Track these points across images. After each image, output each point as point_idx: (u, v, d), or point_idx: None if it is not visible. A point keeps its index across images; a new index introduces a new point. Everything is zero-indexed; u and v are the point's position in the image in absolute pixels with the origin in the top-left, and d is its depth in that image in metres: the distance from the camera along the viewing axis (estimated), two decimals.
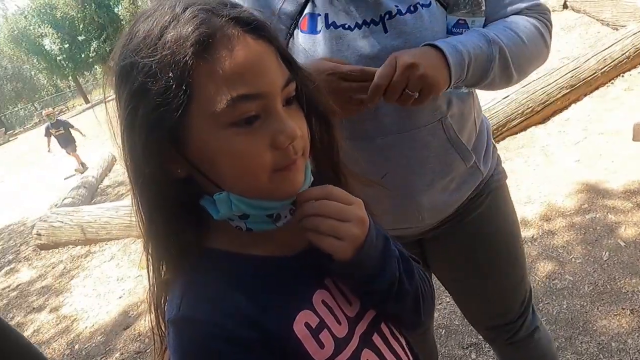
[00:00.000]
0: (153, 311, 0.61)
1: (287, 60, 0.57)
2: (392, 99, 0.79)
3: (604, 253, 2.20)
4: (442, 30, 0.88)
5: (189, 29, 0.49)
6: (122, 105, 0.53)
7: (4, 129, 27.78)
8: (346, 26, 0.87)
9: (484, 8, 0.89)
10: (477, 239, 1.09)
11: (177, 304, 0.55)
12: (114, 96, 0.58)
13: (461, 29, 0.88)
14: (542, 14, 0.93)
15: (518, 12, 0.92)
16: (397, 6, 0.86)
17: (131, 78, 0.51)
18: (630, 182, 2.64)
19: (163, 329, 0.60)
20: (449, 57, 0.79)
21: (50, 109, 10.49)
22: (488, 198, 1.08)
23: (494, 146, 1.12)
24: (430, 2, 0.87)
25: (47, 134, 9.00)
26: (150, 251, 0.59)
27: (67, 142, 8.90)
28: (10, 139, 24.18)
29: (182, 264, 0.58)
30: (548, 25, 0.94)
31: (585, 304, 1.99)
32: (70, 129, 9.02)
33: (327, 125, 0.63)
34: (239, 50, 0.50)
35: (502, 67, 0.87)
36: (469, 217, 1.07)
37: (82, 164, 8.63)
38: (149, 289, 0.61)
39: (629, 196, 2.54)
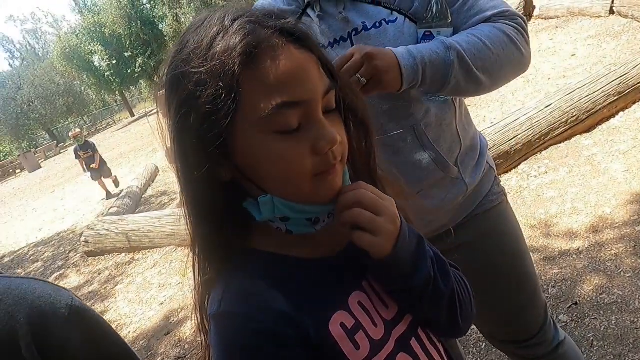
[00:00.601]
0: (197, 309, 0.63)
1: (328, 69, 0.58)
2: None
3: None
4: (410, 43, 0.92)
5: (237, 40, 0.52)
6: (173, 113, 0.56)
7: (55, 141, 29.24)
8: (320, 45, 0.91)
9: (449, 20, 0.93)
10: (473, 261, 1.04)
11: (219, 300, 0.57)
12: (159, 108, 0.61)
13: (427, 40, 0.92)
14: (511, 19, 0.94)
15: (486, 20, 0.94)
16: (363, 22, 0.93)
17: (182, 87, 0.54)
18: None
19: (206, 325, 0.62)
20: (400, 60, 0.84)
21: (78, 130, 9.91)
22: (482, 219, 1.08)
23: (492, 168, 1.13)
24: (397, 17, 0.93)
25: (77, 156, 8.51)
26: (196, 251, 0.62)
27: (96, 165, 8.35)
28: (61, 151, 25.42)
29: (225, 264, 0.60)
30: (519, 29, 0.94)
31: (635, 320, 1.89)
32: (96, 152, 8.36)
33: (365, 132, 0.65)
34: (282, 60, 0.52)
35: (464, 72, 0.89)
36: (464, 239, 1.06)
37: (108, 193, 8.18)
38: (194, 287, 0.63)
39: None
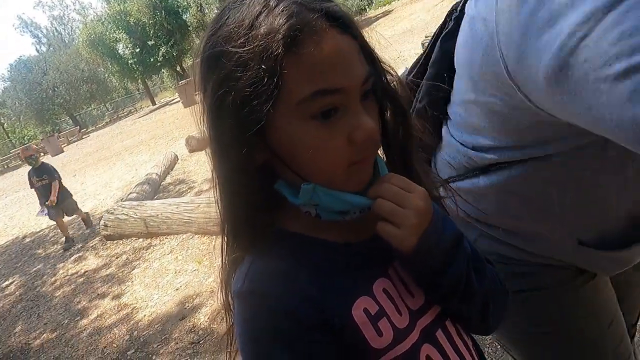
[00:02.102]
0: (223, 287, 0.63)
1: (369, 54, 0.57)
2: None
3: None
4: None
5: (281, 22, 0.50)
6: (210, 92, 0.54)
7: (78, 127, 29.75)
8: None
9: None
10: None
11: (243, 278, 0.57)
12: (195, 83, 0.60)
13: None
14: None
15: None
16: None
17: (220, 65, 0.53)
18: None
19: (231, 305, 0.62)
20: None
21: (34, 146, 7.43)
22: None
23: None
24: None
25: (31, 184, 5.85)
26: (225, 230, 0.61)
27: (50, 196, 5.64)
28: (84, 136, 25.85)
29: (253, 242, 0.59)
30: None
31: None
32: (54, 180, 5.67)
33: (403, 120, 0.63)
34: (325, 45, 0.51)
35: None
36: None
37: (68, 238, 5.78)
38: (221, 265, 0.63)
39: None
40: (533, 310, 0.90)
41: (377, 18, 20.38)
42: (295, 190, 0.57)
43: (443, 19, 0.88)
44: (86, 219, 6.16)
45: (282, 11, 0.51)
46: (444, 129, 0.88)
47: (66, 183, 6.26)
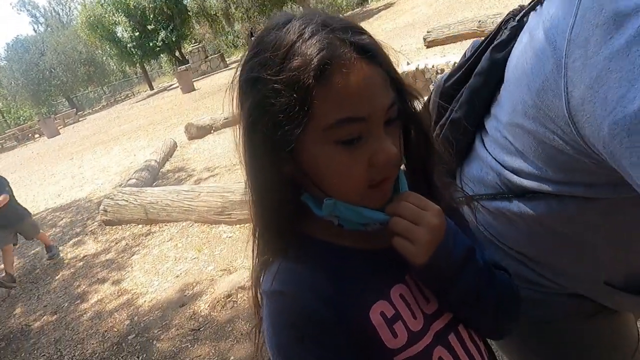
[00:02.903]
0: (253, 285, 0.68)
1: (395, 81, 0.61)
2: None
3: None
4: None
5: (313, 54, 0.54)
6: (246, 112, 0.59)
7: (74, 109, 29.56)
8: None
9: None
10: None
11: (272, 279, 0.62)
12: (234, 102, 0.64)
13: None
14: None
15: None
16: None
17: (256, 90, 0.58)
18: None
19: (259, 300, 0.67)
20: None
21: None
22: None
23: None
24: None
25: None
26: (256, 235, 0.67)
27: None
28: (80, 119, 25.70)
29: (281, 247, 0.64)
30: None
31: None
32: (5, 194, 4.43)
33: (425, 141, 0.67)
34: (352, 76, 0.55)
35: None
36: None
37: (7, 276, 4.47)
38: (252, 266, 0.68)
39: None
40: (554, 342, 0.89)
41: (378, 10, 20.28)
42: (319, 202, 0.62)
43: (497, 26, 0.83)
44: (49, 245, 4.95)
45: (315, 43, 0.55)
46: (478, 142, 0.85)
47: (63, 166, 6.24)
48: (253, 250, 0.68)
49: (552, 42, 0.60)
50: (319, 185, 0.61)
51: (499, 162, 0.78)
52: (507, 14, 0.81)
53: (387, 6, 20.16)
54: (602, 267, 0.78)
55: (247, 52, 0.62)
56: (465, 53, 0.93)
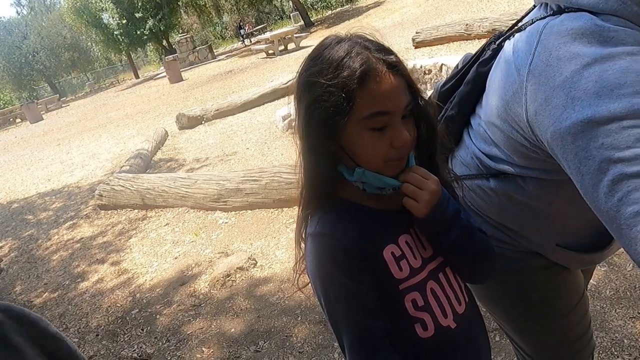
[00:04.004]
0: (298, 228, 0.93)
1: (413, 89, 0.84)
2: None
3: (628, 265, 2.41)
4: None
5: (356, 66, 0.78)
6: (304, 107, 0.84)
7: (58, 95, 29.14)
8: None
9: None
10: None
11: (315, 224, 0.87)
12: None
13: None
14: None
15: None
16: None
17: (313, 90, 0.82)
18: None
19: (302, 241, 0.92)
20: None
21: None
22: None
23: None
24: None
25: None
26: (302, 194, 0.91)
27: None
28: (63, 105, 25.39)
29: (322, 204, 0.89)
30: None
31: (605, 305, 2.21)
32: None
33: (431, 131, 0.91)
34: (383, 84, 0.79)
35: None
36: None
37: None
38: (297, 219, 0.93)
39: None
40: (518, 288, 1.14)
41: (368, 8, 20.53)
42: (351, 171, 0.86)
43: (482, 46, 1.08)
44: None
45: (359, 60, 0.79)
46: (465, 134, 1.11)
47: (50, 151, 6.33)
48: (299, 205, 0.92)
49: (518, 69, 0.85)
50: (353, 158, 0.85)
51: (480, 150, 1.04)
52: (491, 38, 1.07)
53: (377, 4, 20.40)
54: (554, 232, 1.04)
55: (305, 63, 0.86)
56: (457, 64, 1.19)
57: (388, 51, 0.82)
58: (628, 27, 0.75)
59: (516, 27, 0.95)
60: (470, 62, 1.10)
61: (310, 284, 0.89)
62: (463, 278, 0.98)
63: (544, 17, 0.84)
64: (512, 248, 1.09)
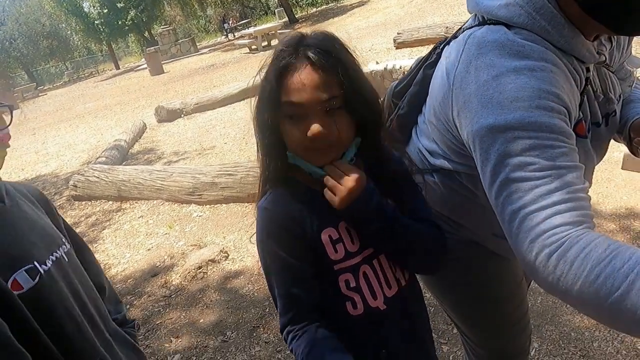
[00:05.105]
0: (257, 201, 1.00)
1: (342, 83, 0.86)
2: None
3: None
4: None
5: (281, 60, 0.87)
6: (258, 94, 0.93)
7: (35, 83, 28.54)
8: (598, 123, 1.01)
9: None
10: None
11: (264, 200, 0.97)
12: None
13: None
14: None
15: None
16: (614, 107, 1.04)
17: (261, 82, 0.91)
18: (618, 207, 2.96)
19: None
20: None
21: None
22: None
23: None
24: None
25: None
26: (261, 174, 0.99)
27: None
28: (40, 94, 24.88)
29: (274, 182, 0.97)
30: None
31: (556, 301, 2.32)
32: None
33: (373, 124, 0.95)
34: (298, 76, 0.86)
35: None
36: None
37: None
38: (257, 194, 1.01)
39: (616, 219, 2.86)
40: (458, 275, 1.22)
41: (352, 7, 20.63)
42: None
43: (430, 51, 1.16)
44: None
45: (286, 54, 0.88)
46: (413, 131, 1.19)
47: (25, 141, 6.25)
48: (259, 183, 1.01)
49: (447, 74, 0.94)
50: (287, 144, 0.92)
51: (423, 146, 1.13)
52: (437, 43, 1.15)
53: (361, 3, 20.51)
54: (489, 222, 1.10)
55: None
56: (411, 66, 1.26)
57: (322, 49, 0.87)
58: (536, 41, 0.84)
59: (454, 34, 1.03)
60: (420, 64, 1.18)
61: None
62: (412, 269, 1.04)
63: (472, 27, 0.92)
64: (453, 237, 1.17)
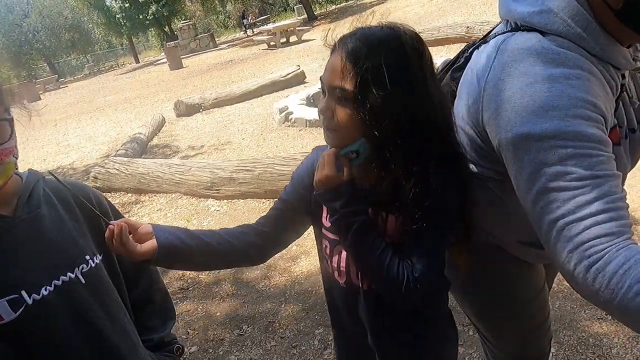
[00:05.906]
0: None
1: (358, 83, 0.87)
2: None
3: None
4: None
5: (341, 41, 0.93)
6: None
7: (56, 75, 29.02)
8: (634, 129, 1.00)
9: None
10: None
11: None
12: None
13: None
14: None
15: None
16: None
17: None
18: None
19: None
20: None
21: None
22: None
23: None
24: None
25: None
26: None
27: None
28: (61, 86, 25.28)
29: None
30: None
31: (575, 306, 2.30)
32: None
33: (386, 129, 0.92)
34: (333, 57, 0.92)
35: None
36: None
37: None
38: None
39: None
40: (483, 279, 1.20)
41: (371, 5, 20.55)
42: None
43: (457, 54, 1.15)
44: None
45: (343, 39, 0.93)
46: None
47: (47, 132, 6.35)
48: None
49: (478, 79, 0.94)
50: None
51: None
52: (465, 46, 1.15)
53: (381, 1, 20.43)
54: (515, 230, 1.12)
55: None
56: (437, 68, 1.26)
57: (362, 43, 0.88)
58: (571, 48, 0.84)
59: (483, 38, 1.03)
60: (447, 67, 1.18)
61: None
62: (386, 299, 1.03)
63: (504, 32, 0.92)
64: (478, 242, 1.15)
